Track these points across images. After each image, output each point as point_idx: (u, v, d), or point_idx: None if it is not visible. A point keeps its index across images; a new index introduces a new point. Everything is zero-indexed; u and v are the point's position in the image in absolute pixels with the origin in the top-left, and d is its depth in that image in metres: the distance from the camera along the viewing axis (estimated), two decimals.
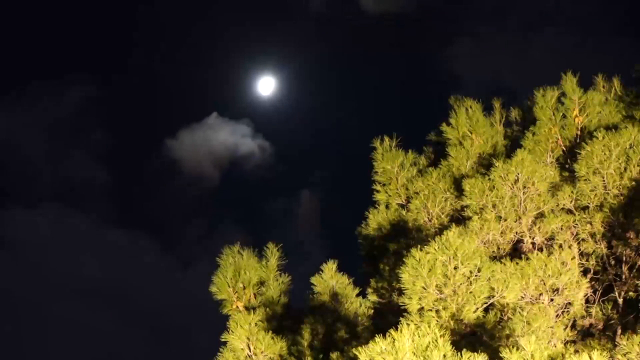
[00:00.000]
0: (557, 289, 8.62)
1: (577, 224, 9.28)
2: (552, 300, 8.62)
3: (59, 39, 31.85)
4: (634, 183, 9.14)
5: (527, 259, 8.59)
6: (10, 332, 29.58)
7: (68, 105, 32.22)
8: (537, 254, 8.65)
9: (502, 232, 9.12)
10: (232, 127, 32.15)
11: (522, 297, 8.42)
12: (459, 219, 9.52)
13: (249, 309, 9.12)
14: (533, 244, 9.18)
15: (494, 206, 9.08)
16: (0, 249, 30.83)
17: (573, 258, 8.86)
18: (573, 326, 9.08)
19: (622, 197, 9.20)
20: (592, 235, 9.29)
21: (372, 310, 9.71)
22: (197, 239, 32.86)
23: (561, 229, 9.20)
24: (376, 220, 10.39)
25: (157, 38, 32.20)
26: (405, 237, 9.83)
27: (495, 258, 8.78)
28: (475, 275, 7.56)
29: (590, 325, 9.29)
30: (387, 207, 10.49)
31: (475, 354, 6.19)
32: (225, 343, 8.66)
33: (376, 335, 6.12)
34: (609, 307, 9.29)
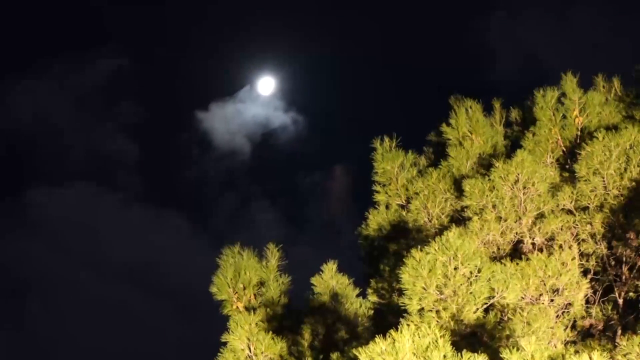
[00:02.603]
0: (557, 290, 8.62)
1: (577, 225, 9.28)
2: (552, 300, 8.62)
3: (90, 9, 31.51)
4: (634, 183, 9.14)
5: (527, 259, 8.59)
6: (39, 311, 29.55)
7: (98, 76, 31.99)
8: (537, 255, 8.65)
9: (502, 233, 9.12)
10: (265, 100, 31.83)
11: (522, 298, 8.41)
12: (459, 219, 9.52)
13: (249, 309, 9.12)
14: (533, 244, 9.18)
15: (494, 207, 9.08)
16: (29, 229, 30.65)
17: (573, 259, 8.86)
18: (573, 327, 9.08)
19: (622, 198, 9.20)
20: (592, 235, 9.29)
21: (372, 311, 9.72)
22: (228, 215, 32.51)
23: (561, 229, 9.20)
24: (376, 220, 10.40)
25: (190, 9, 31.81)
26: (405, 237, 9.84)
27: (495, 258, 8.78)
28: (476, 276, 7.55)
29: (591, 325, 9.29)
30: (387, 207, 10.49)
31: (476, 354, 6.19)
32: (225, 343, 8.66)
33: (376, 335, 6.12)
34: (609, 308, 9.29)
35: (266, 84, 31.41)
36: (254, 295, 9.62)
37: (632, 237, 9.14)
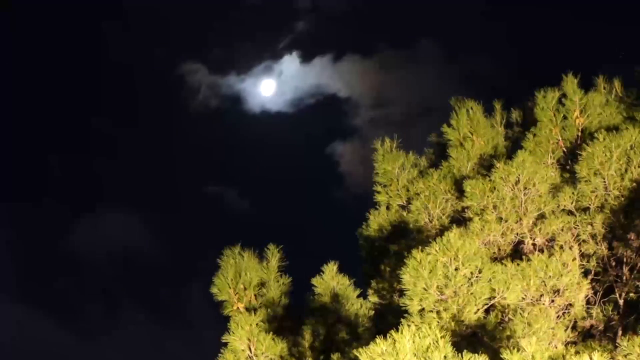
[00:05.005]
0: (558, 290, 8.62)
1: (578, 225, 9.28)
2: (553, 301, 8.62)
3: None
4: (634, 184, 9.14)
5: (528, 260, 8.59)
6: None
7: None
8: (538, 255, 8.64)
9: (503, 233, 9.12)
10: (306, 67, 32.07)
11: (523, 298, 8.41)
12: (459, 220, 9.52)
13: (249, 310, 9.12)
14: (534, 245, 9.18)
15: (494, 207, 9.08)
16: None
17: (574, 259, 8.86)
18: (574, 327, 9.08)
19: (622, 198, 9.21)
20: (593, 236, 9.29)
21: (373, 312, 9.72)
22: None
23: (562, 230, 9.20)
24: (377, 221, 10.40)
25: None
26: (406, 238, 9.84)
27: (496, 259, 8.78)
28: (476, 277, 7.56)
29: (591, 326, 9.29)
30: (387, 208, 10.50)
31: (476, 355, 6.20)
32: (226, 344, 8.67)
33: (377, 336, 6.13)
34: (610, 309, 9.29)
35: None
36: (255, 295, 9.62)
37: (632, 237, 9.14)
